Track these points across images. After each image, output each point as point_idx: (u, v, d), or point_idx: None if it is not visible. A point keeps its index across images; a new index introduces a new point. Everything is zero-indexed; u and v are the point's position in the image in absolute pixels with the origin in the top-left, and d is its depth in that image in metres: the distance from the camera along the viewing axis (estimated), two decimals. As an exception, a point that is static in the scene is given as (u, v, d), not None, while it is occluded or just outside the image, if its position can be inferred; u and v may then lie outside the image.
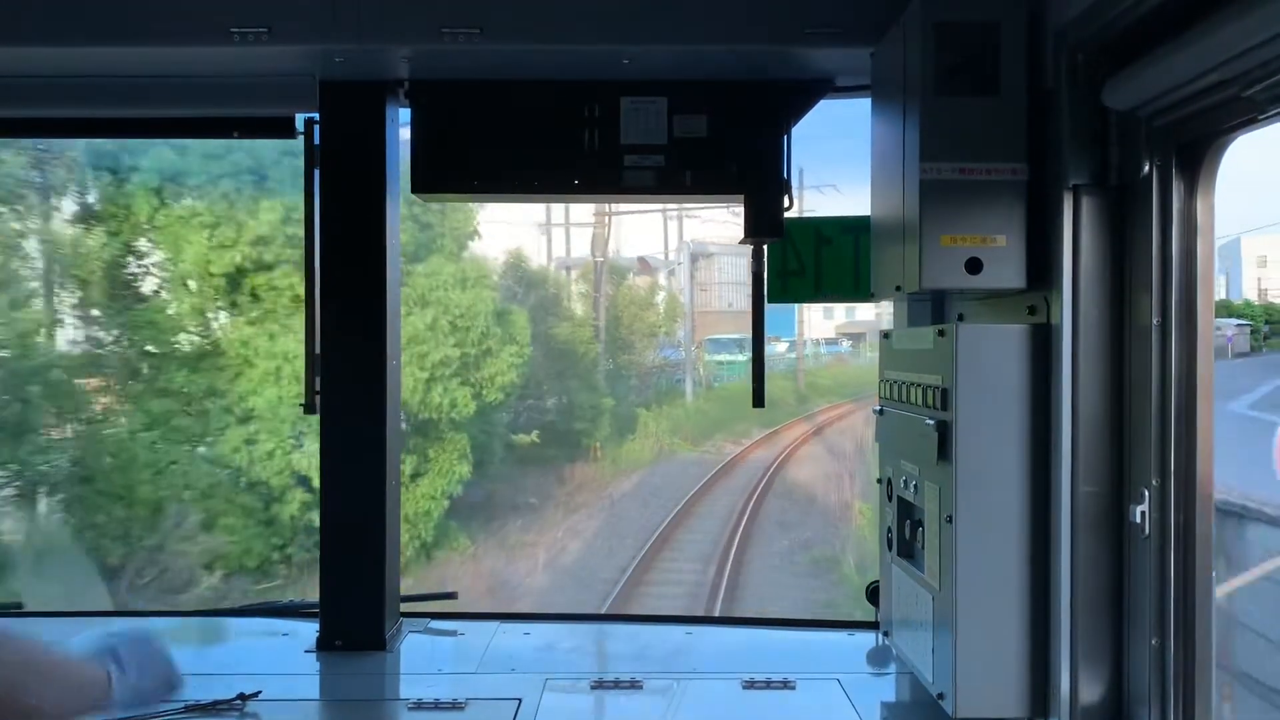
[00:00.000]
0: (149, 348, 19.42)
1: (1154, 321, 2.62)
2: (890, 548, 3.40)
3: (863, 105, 3.48)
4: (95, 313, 19.53)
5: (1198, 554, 2.61)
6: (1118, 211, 2.71)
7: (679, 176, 3.76)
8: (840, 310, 53.26)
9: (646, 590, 18.79)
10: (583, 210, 38.00)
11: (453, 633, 4.18)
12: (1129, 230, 2.70)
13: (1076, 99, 2.69)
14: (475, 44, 3.38)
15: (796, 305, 26.76)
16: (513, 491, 24.89)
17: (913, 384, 3.10)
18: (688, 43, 3.45)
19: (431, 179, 3.80)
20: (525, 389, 26.24)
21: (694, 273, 43.17)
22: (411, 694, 3.44)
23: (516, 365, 23.23)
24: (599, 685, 3.54)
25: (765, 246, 3.87)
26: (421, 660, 3.89)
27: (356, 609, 3.89)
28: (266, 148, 18.65)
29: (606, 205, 31.68)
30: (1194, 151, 2.58)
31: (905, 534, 3.22)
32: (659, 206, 39.27)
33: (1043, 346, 2.80)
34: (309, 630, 3.98)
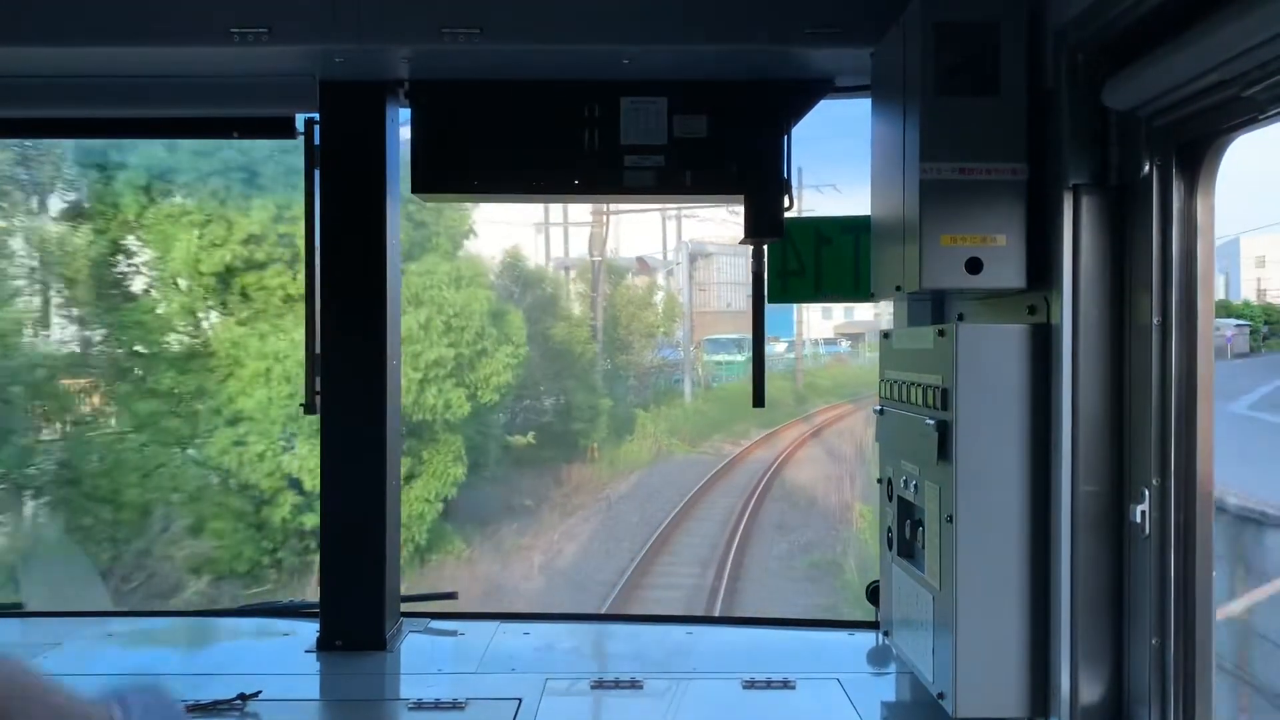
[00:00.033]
0: (137, 348, 19.13)
1: (1154, 321, 2.62)
2: (890, 547, 3.40)
3: (863, 105, 3.49)
4: (82, 312, 19.28)
5: (1198, 554, 2.61)
6: (1118, 211, 2.71)
7: (679, 176, 3.76)
8: (839, 310, 53.28)
9: (644, 595, 18.59)
10: (581, 209, 37.97)
11: (453, 633, 4.18)
12: (1129, 230, 2.70)
13: (1076, 99, 2.69)
14: (475, 44, 3.38)
15: (795, 305, 26.80)
16: (509, 493, 24.63)
17: (913, 384, 3.10)
18: (688, 43, 3.45)
19: (431, 179, 3.81)
20: (522, 389, 25.99)
21: (692, 272, 43.15)
22: (412, 694, 3.44)
23: (512, 366, 22.91)
24: (599, 685, 3.55)
25: (765, 246, 3.87)
26: (422, 660, 3.89)
27: (356, 609, 3.90)
28: (258, 144, 18.19)
29: (605, 205, 31.65)
30: (1194, 151, 2.58)
31: (905, 534, 3.22)
32: (658, 206, 39.29)
33: (1043, 346, 2.80)
34: (309, 630, 3.98)
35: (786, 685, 3.52)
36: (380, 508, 3.91)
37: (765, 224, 3.79)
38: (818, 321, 53.05)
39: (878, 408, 3.52)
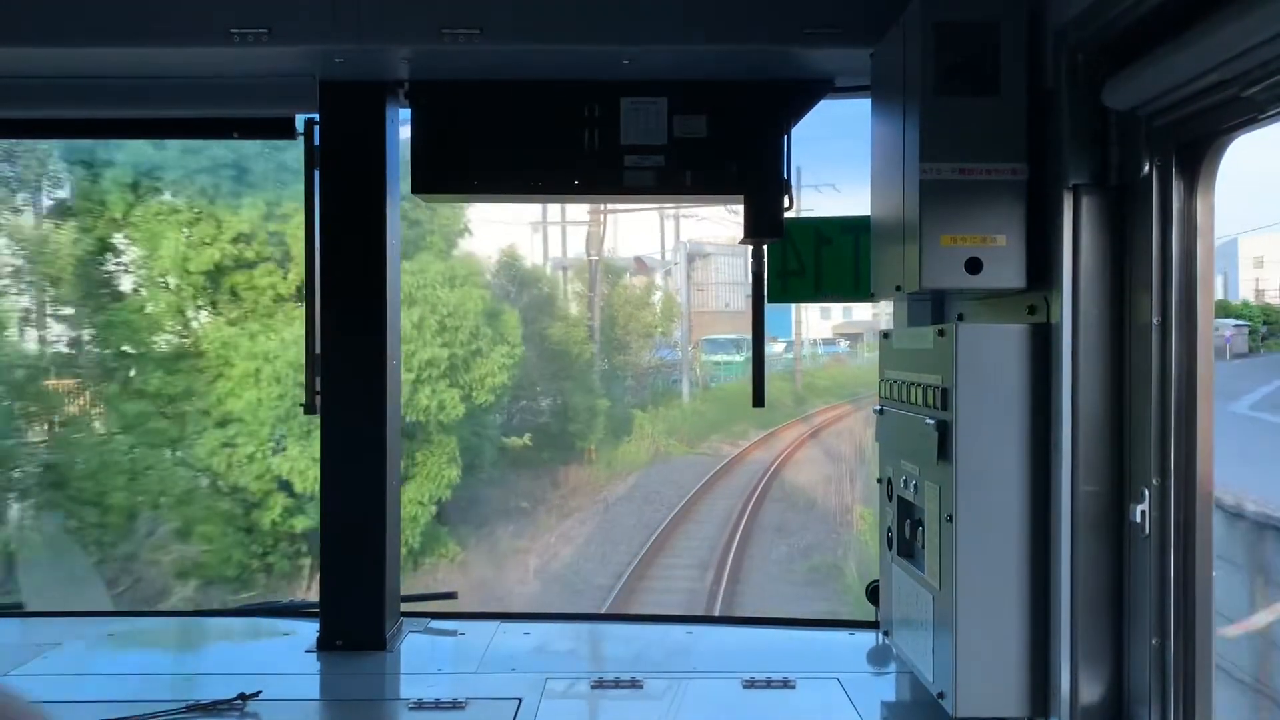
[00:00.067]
0: (125, 348, 18.82)
1: (1154, 321, 2.62)
2: (890, 547, 3.41)
3: (863, 105, 3.49)
4: (68, 311, 18.98)
5: (1198, 554, 2.61)
6: (1118, 211, 2.72)
7: (679, 176, 3.76)
8: (837, 310, 53.25)
9: (641, 599, 18.32)
10: (578, 209, 37.87)
11: (453, 632, 4.18)
12: (1129, 230, 2.70)
13: (1076, 99, 2.70)
14: (475, 44, 3.38)
15: (794, 305, 26.75)
16: (504, 496, 24.32)
17: (913, 384, 3.11)
18: (688, 43, 3.45)
19: (431, 179, 3.81)
20: (518, 390, 25.70)
21: (690, 272, 43.11)
22: (412, 694, 3.45)
23: (507, 366, 22.58)
24: (599, 685, 3.55)
25: (765, 246, 3.87)
26: (422, 660, 3.89)
27: (357, 609, 3.90)
28: (248, 141, 18.10)
29: (602, 204, 31.60)
30: (1194, 151, 2.59)
31: (905, 533, 3.23)
32: (656, 206, 39.24)
33: (1043, 346, 2.81)
34: (309, 630, 3.98)
35: (786, 685, 3.52)
36: (380, 508, 3.91)
37: (765, 224, 3.79)
38: (816, 321, 53.01)
39: (878, 408, 3.52)
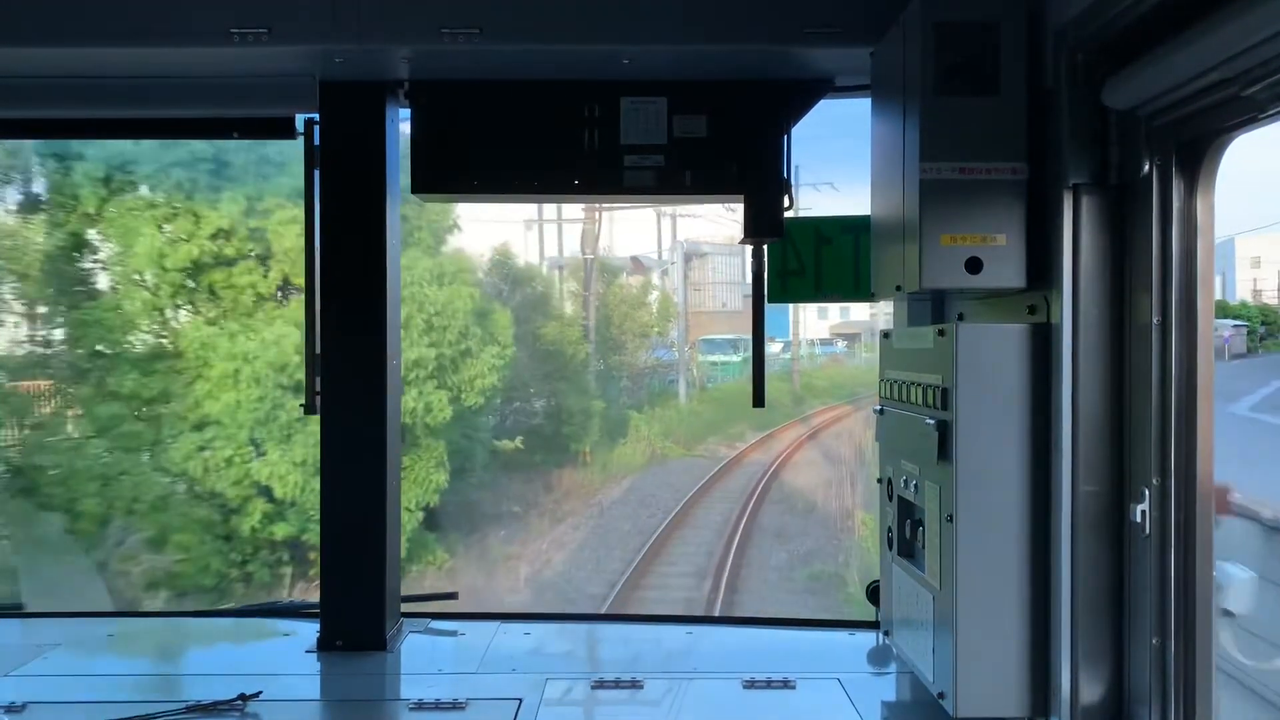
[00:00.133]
0: (99, 348, 17.99)
1: (1154, 320, 2.63)
2: (891, 547, 3.41)
3: (862, 105, 3.49)
4: (39, 310, 18.29)
5: (1198, 553, 2.62)
6: (1118, 211, 2.72)
7: (679, 176, 3.76)
8: (835, 310, 53.23)
9: (637, 610, 17.87)
10: (574, 207, 37.82)
11: (453, 633, 4.18)
12: (1129, 229, 2.70)
13: (1076, 98, 2.70)
14: (475, 44, 3.38)
15: (791, 305, 26.62)
16: (495, 500, 23.81)
17: (913, 383, 3.11)
18: (688, 43, 3.45)
19: (431, 179, 3.81)
20: (511, 392, 25.26)
21: (687, 272, 43.07)
22: (412, 694, 3.44)
23: (498, 367, 21.95)
24: (599, 685, 3.55)
25: (765, 246, 3.87)
26: (422, 660, 3.89)
27: (357, 609, 3.90)
28: None
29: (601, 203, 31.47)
30: (1194, 150, 2.59)
31: (906, 533, 3.23)
32: (653, 205, 39.15)
33: (1043, 346, 2.81)
34: (309, 630, 3.98)
35: (787, 685, 3.52)
36: (380, 508, 3.91)
37: (765, 224, 3.80)
38: (813, 321, 53.00)
39: (878, 407, 3.52)
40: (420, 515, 19.88)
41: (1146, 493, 2.65)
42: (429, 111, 3.80)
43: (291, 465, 17.52)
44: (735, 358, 40.14)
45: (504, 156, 3.79)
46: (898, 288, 3.06)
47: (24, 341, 18.50)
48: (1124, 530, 2.73)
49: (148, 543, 17.52)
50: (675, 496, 24.90)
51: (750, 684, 3.53)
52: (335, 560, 3.94)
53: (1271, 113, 2.32)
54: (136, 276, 18.50)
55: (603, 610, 17.49)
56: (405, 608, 4.20)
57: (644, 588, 19.19)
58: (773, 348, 43.01)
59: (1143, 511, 2.65)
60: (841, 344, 55.66)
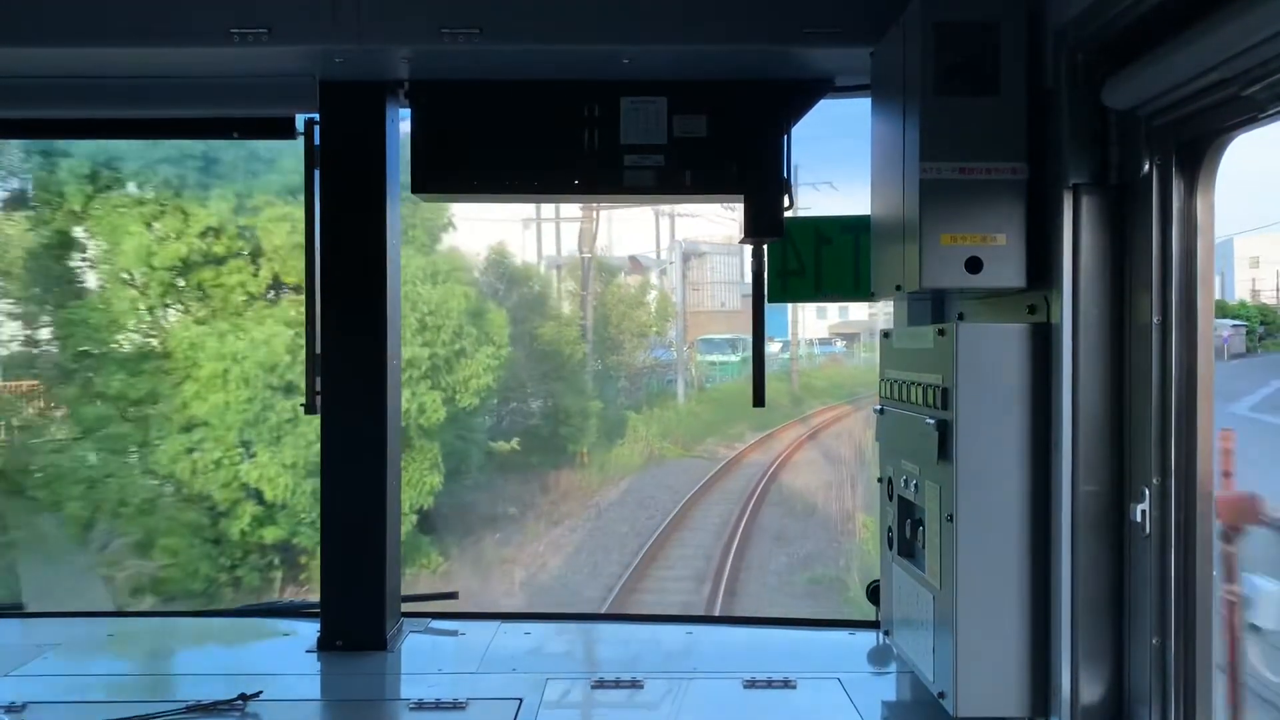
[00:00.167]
0: (85, 348, 17.63)
1: (1154, 320, 2.63)
2: (891, 547, 3.41)
3: (862, 105, 3.50)
4: (24, 309, 17.93)
5: (1198, 553, 2.62)
6: (1118, 211, 2.72)
7: (679, 176, 3.77)
8: (834, 310, 53.22)
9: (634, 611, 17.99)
10: (571, 205, 37.72)
11: (453, 633, 4.18)
12: (1129, 229, 2.71)
13: (1076, 98, 2.70)
14: (475, 44, 3.38)
15: (790, 305, 26.52)
16: (491, 502, 23.44)
17: (913, 383, 3.11)
18: (688, 43, 3.45)
19: (431, 179, 3.81)
20: (507, 392, 24.92)
21: (686, 272, 43.03)
22: (412, 694, 3.44)
23: (493, 368, 21.57)
24: (600, 685, 3.55)
25: (765, 246, 3.88)
26: (422, 660, 3.89)
27: (357, 609, 3.90)
28: None
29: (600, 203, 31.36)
30: (1194, 150, 2.60)
31: (906, 533, 3.23)
32: (652, 204, 39.09)
33: (1043, 345, 2.81)
34: (310, 630, 3.98)
35: (787, 685, 3.52)
36: (380, 508, 3.91)
37: (765, 224, 3.80)
38: (812, 321, 52.96)
39: (878, 407, 3.53)
40: (414, 518, 19.60)
41: (1146, 492, 2.65)
42: (429, 111, 3.80)
43: (281, 467, 17.26)
44: (734, 358, 40.08)
45: (504, 156, 3.79)
46: (898, 287, 3.06)
47: (9, 341, 18.25)
48: (1124, 530, 2.74)
49: (134, 547, 17.19)
50: (674, 498, 24.63)
51: (750, 684, 3.53)
52: (335, 560, 3.94)
53: (1271, 113, 2.32)
54: (124, 275, 18.15)
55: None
56: (405, 607, 4.20)
57: (642, 591, 19.01)
58: (772, 347, 42.89)
59: (1143, 511, 2.65)
60: (841, 344, 55.64)
